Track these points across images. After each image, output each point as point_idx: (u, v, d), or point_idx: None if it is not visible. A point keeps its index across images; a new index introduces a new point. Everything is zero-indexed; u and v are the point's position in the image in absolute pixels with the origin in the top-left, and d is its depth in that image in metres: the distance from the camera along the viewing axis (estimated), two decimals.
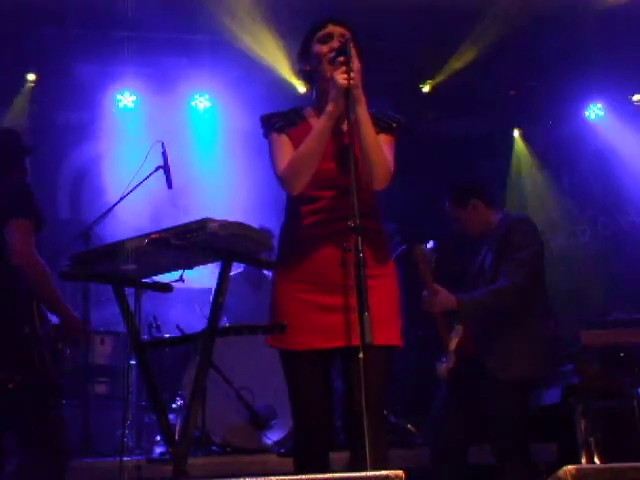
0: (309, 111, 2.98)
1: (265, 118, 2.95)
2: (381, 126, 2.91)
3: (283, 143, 2.89)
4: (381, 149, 2.82)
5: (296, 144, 2.85)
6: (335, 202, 2.82)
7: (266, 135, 2.96)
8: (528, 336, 3.96)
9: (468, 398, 3.99)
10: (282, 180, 2.84)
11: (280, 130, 2.91)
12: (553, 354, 4.16)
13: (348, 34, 2.88)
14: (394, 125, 2.97)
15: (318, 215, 2.84)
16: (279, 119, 2.93)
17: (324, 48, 2.87)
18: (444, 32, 6.31)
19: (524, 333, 3.95)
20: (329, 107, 2.77)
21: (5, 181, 3.64)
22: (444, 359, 4.08)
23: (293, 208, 2.92)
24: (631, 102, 7.43)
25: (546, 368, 4.15)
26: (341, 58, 2.73)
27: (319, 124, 2.79)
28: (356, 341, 2.46)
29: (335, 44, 2.83)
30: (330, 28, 2.91)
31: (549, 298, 4.21)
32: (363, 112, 2.76)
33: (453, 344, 4.08)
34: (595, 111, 7.52)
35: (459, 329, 4.10)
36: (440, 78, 6.99)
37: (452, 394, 4.10)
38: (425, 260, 3.85)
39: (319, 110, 2.87)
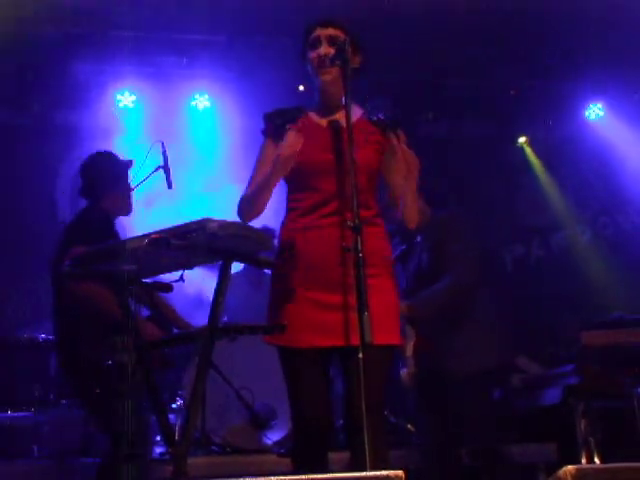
0: (312, 108, 3.00)
1: (266, 117, 2.98)
2: (392, 126, 2.93)
3: (266, 157, 2.93)
4: (416, 198, 2.93)
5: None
6: (335, 197, 2.83)
7: (263, 136, 3.00)
8: (478, 329, 3.96)
9: (436, 398, 3.99)
10: (238, 206, 2.94)
11: (276, 133, 2.91)
12: (506, 343, 4.16)
13: (340, 35, 2.88)
14: (399, 119, 2.99)
15: (318, 211, 2.84)
16: (279, 116, 2.95)
17: (312, 54, 2.90)
18: (444, 31, 6.30)
19: (474, 326, 3.96)
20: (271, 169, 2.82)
21: (86, 206, 3.90)
22: (404, 366, 4.08)
23: (293, 204, 2.94)
24: (631, 102, 7.43)
25: (502, 358, 4.17)
26: (338, 61, 2.78)
27: (264, 175, 2.86)
28: (356, 340, 2.47)
29: (322, 50, 2.86)
30: (318, 31, 2.92)
31: (494, 289, 4.24)
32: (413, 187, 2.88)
33: (409, 349, 4.08)
34: (595, 111, 7.51)
35: (411, 333, 4.09)
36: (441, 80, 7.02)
37: (422, 397, 4.11)
38: None
39: (320, 109, 2.95)
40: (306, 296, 2.81)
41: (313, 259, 2.82)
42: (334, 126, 2.88)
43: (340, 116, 2.86)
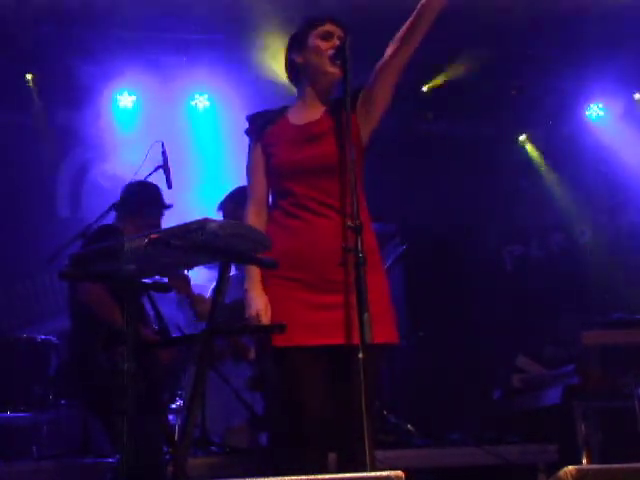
0: (292, 108, 3.04)
1: (248, 118, 3.12)
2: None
3: (254, 162, 3.07)
4: None
5: (272, 141, 2.97)
6: (316, 192, 2.86)
7: (247, 136, 3.12)
8: None
9: None
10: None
11: (258, 134, 3.04)
12: None
13: (343, 36, 2.93)
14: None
15: (300, 208, 2.88)
16: (260, 117, 3.07)
17: (326, 44, 2.93)
18: (444, 31, 6.29)
19: None
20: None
21: (106, 223, 4.19)
22: (248, 372, 4.02)
23: (279, 202, 2.97)
24: (632, 102, 7.43)
25: None
26: (338, 61, 2.84)
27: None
28: (354, 340, 2.48)
29: (336, 42, 2.90)
30: (329, 26, 2.96)
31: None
32: None
33: (252, 353, 4.01)
34: (596, 111, 7.52)
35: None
36: (439, 80, 7.01)
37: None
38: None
39: (302, 103, 3.00)
40: (300, 296, 2.80)
41: (306, 257, 2.82)
42: (309, 128, 2.93)
43: (318, 114, 2.95)
